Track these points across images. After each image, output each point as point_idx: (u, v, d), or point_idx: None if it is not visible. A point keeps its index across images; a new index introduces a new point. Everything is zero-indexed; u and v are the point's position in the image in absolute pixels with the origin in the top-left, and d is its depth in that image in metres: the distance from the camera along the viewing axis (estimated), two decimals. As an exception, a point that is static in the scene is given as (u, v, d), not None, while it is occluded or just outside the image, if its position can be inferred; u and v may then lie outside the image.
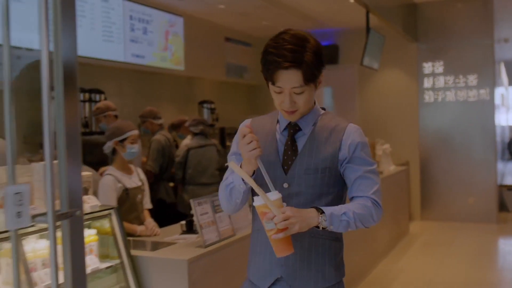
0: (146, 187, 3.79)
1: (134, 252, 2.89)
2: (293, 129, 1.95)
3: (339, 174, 1.92)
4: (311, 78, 1.82)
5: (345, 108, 9.07)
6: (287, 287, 1.93)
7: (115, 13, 6.31)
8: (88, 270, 2.68)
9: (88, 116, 5.94)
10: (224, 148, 7.05)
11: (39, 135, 4.98)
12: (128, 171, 3.65)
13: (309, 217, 1.76)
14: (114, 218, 2.86)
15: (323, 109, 2.02)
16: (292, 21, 8.13)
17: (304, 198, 1.89)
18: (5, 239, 2.36)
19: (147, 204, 3.79)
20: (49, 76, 1.78)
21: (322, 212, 1.77)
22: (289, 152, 1.92)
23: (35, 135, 5.52)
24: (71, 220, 1.83)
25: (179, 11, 7.25)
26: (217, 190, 2.16)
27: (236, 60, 8.85)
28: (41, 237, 2.56)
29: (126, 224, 3.50)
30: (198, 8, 7.30)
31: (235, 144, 2.04)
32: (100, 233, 2.85)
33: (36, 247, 2.45)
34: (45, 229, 2.47)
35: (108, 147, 3.60)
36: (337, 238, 1.98)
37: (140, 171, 3.81)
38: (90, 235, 2.76)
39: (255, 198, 1.76)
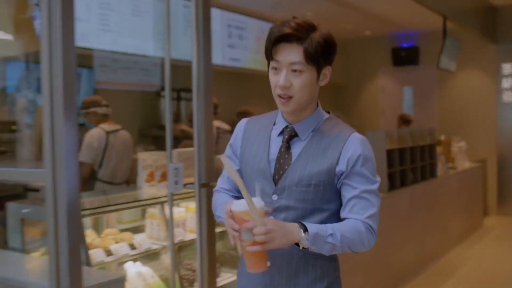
0: None
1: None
2: (288, 134, 1.75)
3: (336, 190, 1.72)
4: (313, 57, 1.65)
5: (424, 107, 9.52)
6: None
7: (216, 22, 7.17)
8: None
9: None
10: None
11: (152, 128, 6.07)
12: None
13: (290, 233, 1.57)
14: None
15: (328, 112, 1.83)
16: (373, 24, 8.70)
17: (294, 213, 1.70)
18: (149, 205, 3.21)
19: None
20: (197, 81, 2.59)
21: (306, 230, 1.59)
22: (282, 161, 1.73)
23: (148, 128, 6.49)
24: (208, 188, 2.64)
25: (270, 18, 8.01)
26: None
27: (321, 61, 9.52)
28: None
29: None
30: (288, 15, 7.98)
31: (229, 148, 1.92)
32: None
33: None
34: (177, 199, 3.30)
35: None
36: (331, 258, 1.77)
37: None
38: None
39: (235, 202, 1.59)
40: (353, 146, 1.70)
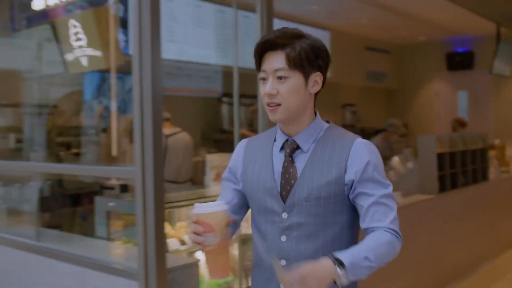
0: None
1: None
2: (290, 147, 1.70)
3: (347, 200, 1.66)
4: (296, 62, 1.63)
5: (479, 111, 9.56)
6: None
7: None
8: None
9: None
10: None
11: (214, 132, 6.53)
12: None
13: (326, 275, 1.47)
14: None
15: (328, 122, 1.78)
16: (427, 30, 8.83)
17: (306, 229, 1.64)
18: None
19: None
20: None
21: (341, 264, 1.48)
22: (287, 176, 1.68)
23: (210, 132, 6.90)
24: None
25: (326, 26, 8.29)
26: None
27: (376, 66, 9.72)
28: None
29: None
30: (344, 23, 8.29)
31: (228, 171, 1.86)
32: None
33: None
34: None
35: None
36: None
37: None
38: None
39: (197, 205, 1.54)
40: (360, 152, 1.66)
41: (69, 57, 3.50)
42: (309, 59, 1.64)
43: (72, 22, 3.40)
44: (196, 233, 1.52)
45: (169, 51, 6.17)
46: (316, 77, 1.68)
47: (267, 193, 1.69)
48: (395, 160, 5.36)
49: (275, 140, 1.75)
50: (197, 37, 6.49)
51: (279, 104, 1.64)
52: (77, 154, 5.18)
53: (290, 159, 1.69)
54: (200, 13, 6.49)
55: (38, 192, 3.81)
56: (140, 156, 2.43)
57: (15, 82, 4.64)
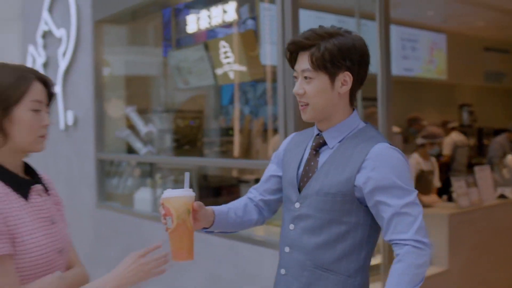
0: (436, 171, 5.03)
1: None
2: (316, 141, 1.74)
3: (356, 202, 1.64)
4: (319, 64, 1.63)
5: None
6: None
7: (392, 36, 7.93)
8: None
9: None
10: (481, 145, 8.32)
11: None
12: (426, 158, 4.95)
13: None
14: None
15: (366, 123, 1.75)
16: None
17: (312, 222, 1.67)
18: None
19: (436, 183, 5.05)
20: (381, 91, 3.44)
21: None
22: (307, 168, 1.72)
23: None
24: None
25: (442, 29, 8.56)
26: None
27: (494, 66, 9.77)
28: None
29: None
30: (460, 25, 8.51)
31: (274, 156, 1.93)
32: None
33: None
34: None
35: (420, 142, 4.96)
36: (350, 273, 1.66)
37: (433, 159, 5.08)
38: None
39: (167, 190, 1.61)
40: (379, 156, 1.62)
41: (219, 71, 4.27)
42: (333, 60, 1.64)
43: (222, 43, 4.16)
44: (162, 215, 1.61)
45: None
46: (345, 77, 1.67)
47: (290, 182, 1.76)
48: (509, 158, 5.65)
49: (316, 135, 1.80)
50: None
51: (307, 104, 1.68)
52: (222, 152, 5.98)
53: (314, 153, 1.73)
54: (322, 24, 7.06)
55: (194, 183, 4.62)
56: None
57: (171, 92, 5.53)
